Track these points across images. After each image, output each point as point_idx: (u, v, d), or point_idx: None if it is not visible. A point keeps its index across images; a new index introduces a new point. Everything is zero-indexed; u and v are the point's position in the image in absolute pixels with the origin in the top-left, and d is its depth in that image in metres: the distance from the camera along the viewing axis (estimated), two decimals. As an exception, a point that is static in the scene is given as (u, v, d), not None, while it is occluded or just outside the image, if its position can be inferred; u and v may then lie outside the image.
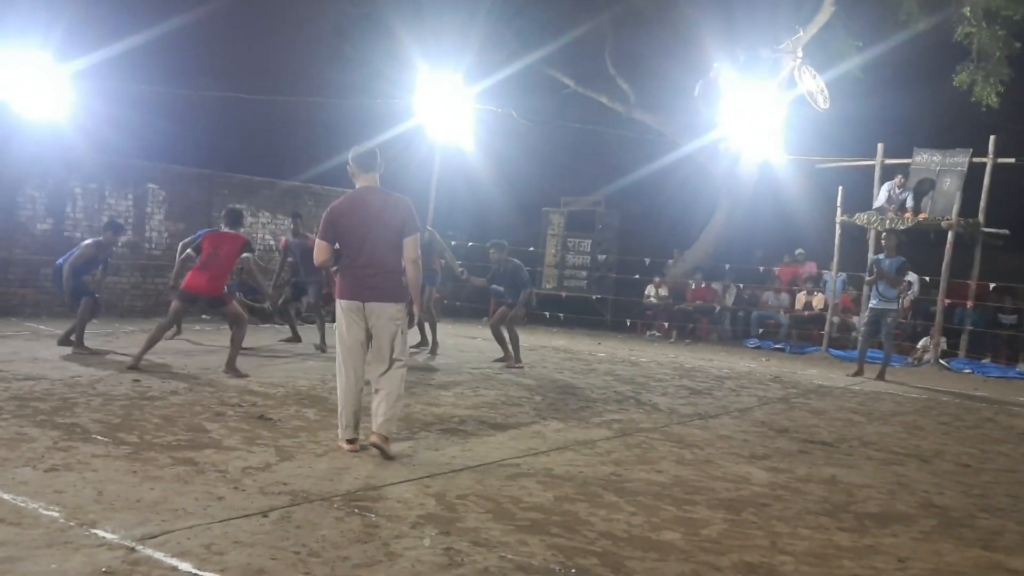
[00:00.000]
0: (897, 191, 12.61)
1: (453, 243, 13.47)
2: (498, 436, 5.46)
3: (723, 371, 10.03)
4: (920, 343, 12.39)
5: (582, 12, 14.92)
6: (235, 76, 14.22)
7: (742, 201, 15.03)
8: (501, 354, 9.32)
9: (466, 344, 11.28)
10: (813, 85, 12.39)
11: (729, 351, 12.73)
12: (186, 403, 5.86)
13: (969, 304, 12.11)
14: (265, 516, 3.50)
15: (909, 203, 12.44)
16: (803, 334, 13.54)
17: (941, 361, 11.87)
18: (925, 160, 12.57)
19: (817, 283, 13.87)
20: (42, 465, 4.04)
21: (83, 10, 11.87)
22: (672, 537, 3.58)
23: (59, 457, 4.20)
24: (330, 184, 14.26)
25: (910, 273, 11.40)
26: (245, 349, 7.95)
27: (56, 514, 3.35)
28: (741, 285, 14.68)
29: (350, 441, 4.76)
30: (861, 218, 12.62)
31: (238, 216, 8.06)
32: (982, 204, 12.02)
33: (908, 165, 12.75)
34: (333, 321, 5.14)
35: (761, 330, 13.93)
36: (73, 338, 8.21)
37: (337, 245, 4.77)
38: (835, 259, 13.02)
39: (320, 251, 4.76)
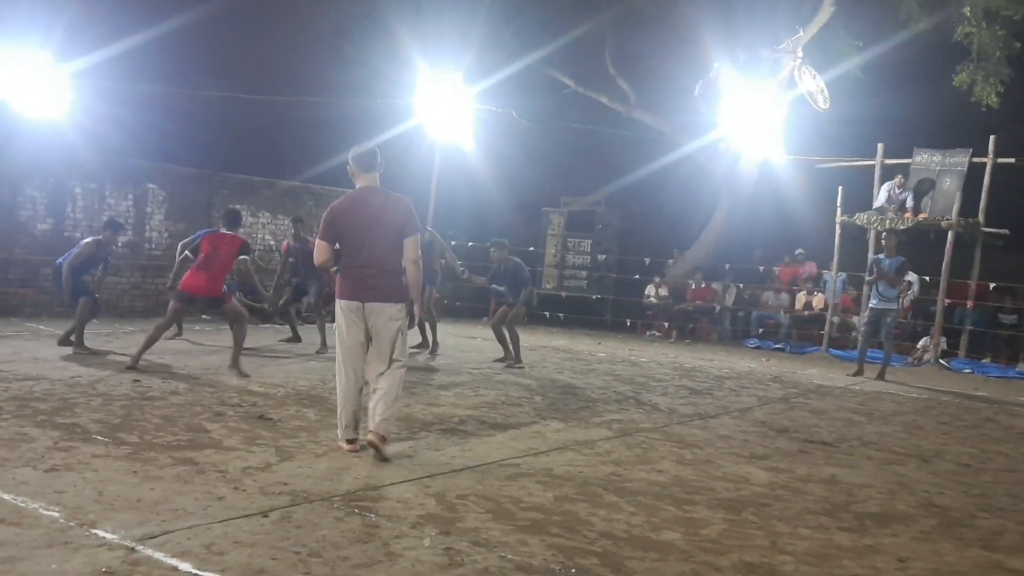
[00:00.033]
0: (897, 191, 12.61)
1: (453, 243, 13.46)
2: (498, 436, 5.46)
3: (723, 371, 10.03)
4: (920, 343, 12.39)
5: (582, 12, 14.91)
6: (235, 76, 14.22)
7: (742, 201, 15.03)
8: (501, 354, 9.32)
9: (466, 344, 11.28)
10: (813, 85, 12.39)
11: (729, 351, 12.73)
12: (186, 403, 5.86)
13: (969, 304, 12.11)
14: (265, 516, 3.50)
15: (909, 203, 12.45)
16: (803, 334, 13.54)
17: (941, 361, 11.88)
18: (925, 160, 12.57)
19: (817, 283, 13.87)
20: (42, 465, 4.04)
21: (83, 10, 11.86)
22: (672, 537, 3.58)
23: (59, 457, 4.20)
24: (330, 184, 14.26)
25: (910, 273, 11.41)
26: (246, 349, 7.95)
27: (56, 514, 3.35)
28: (741, 285, 14.68)
29: (350, 441, 4.76)
30: (861, 218, 12.63)
31: (236, 217, 8.08)
32: (982, 204, 12.03)
33: (908, 165, 12.75)
34: (333, 321, 5.14)
35: (761, 330, 13.93)
36: (73, 338, 8.22)
37: (337, 245, 4.77)
38: (835, 259, 13.03)
39: (320, 251, 4.76)
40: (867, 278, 10.15)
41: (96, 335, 9.15)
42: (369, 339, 4.73)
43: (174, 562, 2.94)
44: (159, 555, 2.99)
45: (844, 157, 13.57)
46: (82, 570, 2.83)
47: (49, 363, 7.31)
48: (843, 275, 13.26)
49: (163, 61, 12.97)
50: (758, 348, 13.21)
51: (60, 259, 8.47)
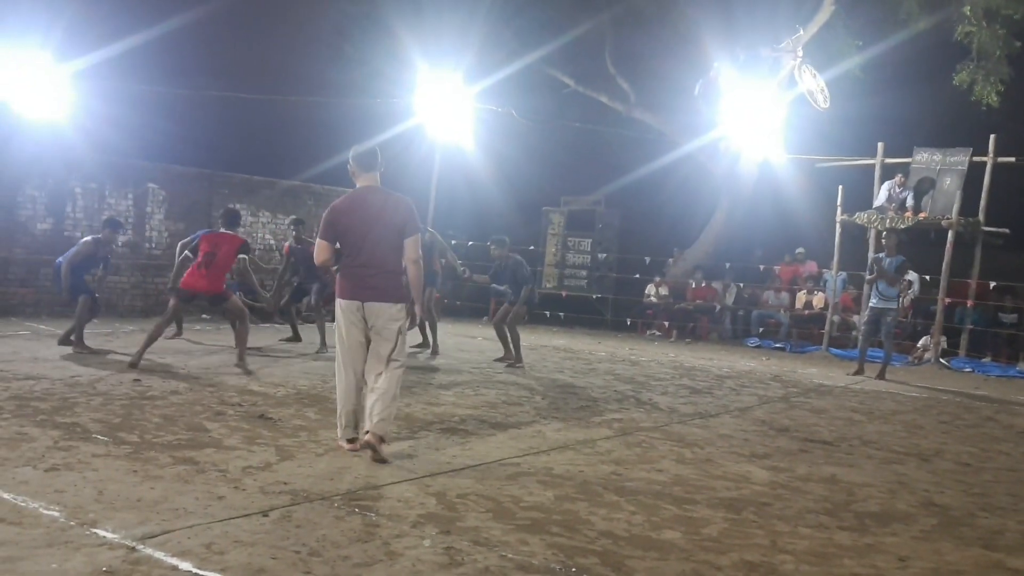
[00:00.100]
0: (897, 190, 12.61)
1: (453, 242, 13.45)
2: (498, 435, 5.46)
3: (723, 370, 10.03)
4: (920, 342, 12.39)
5: (582, 11, 14.91)
6: (235, 76, 14.22)
7: (742, 200, 15.03)
8: (502, 353, 9.32)
9: (466, 344, 11.27)
10: (813, 84, 12.38)
11: (729, 350, 12.73)
12: (186, 402, 5.86)
13: (969, 303, 12.10)
14: (265, 515, 3.50)
15: (909, 202, 12.44)
16: (803, 333, 13.55)
17: (941, 360, 11.88)
18: (925, 159, 12.57)
19: (817, 282, 13.87)
20: (42, 465, 4.04)
21: (83, 10, 11.87)
22: (672, 536, 3.58)
23: (59, 457, 4.20)
24: (330, 184, 14.26)
25: (910, 272, 11.42)
26: (248, 348, 7.95)
27: (56, 514, 3.35)
28: (741, 284, 14.68)
29: (350, 441, 4.75)
30: (861, 217, 12.62)
31: (236, 217, 8.10)
32: (982, 203, 12.02)
33: (908, 164, 12.75)
34: (333, 321, 5.14)
35: (761, 329, 13.93)
36: (73, 337, 8.22)
37: (337, 245, 4.77)
38: (835, 258, 13.03)
39: (320, 251, 4.75)
40: (867, 277, 10.15)
41: (96, 334, 9.15)
42: (368, 339, 4.72)
43: (174, 561, 2.94)
44: (159, 554, 2.99)
45: (844, 156, 13.57)
46: (82, 569, 2.83)
47: (49, 362, 7.31)
48: (843, 274, 13.26)
49: (163, 61, 12.97)
50: (758, 347, 13.21)
51: (60, 259, 8.48)
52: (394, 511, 3.68)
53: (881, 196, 12.70)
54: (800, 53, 12.44)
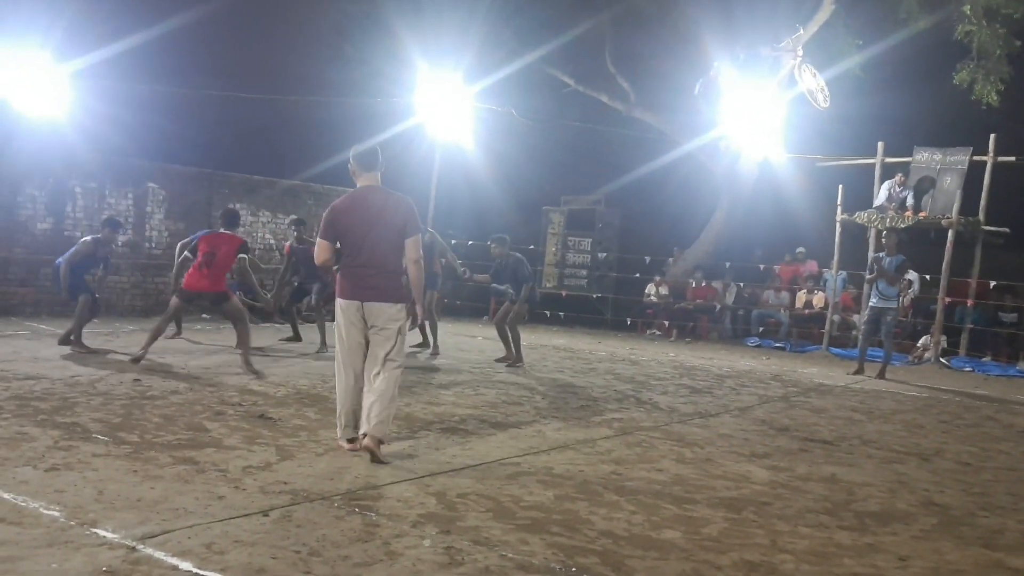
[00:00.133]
0: (897, 189, 12.61)
1: (453, 242, 13.46)
2: (499, 435, 5.46)
3: (723, 370, 10.03)
4: (920, 341, 12.38)
5: (582, 11, 14.90)
6: (235, 76, 14.20)
7: (742, 200, 15.02)
8: (502, 353, 9.31)
9: (466, 343, 11.27)
10: (813, 83, 12.39)
11: (729, 350, 12.73)
12: (186, 402, 5.86)
13: (969, 302, 12.10)
14: (266, 515, 3.50)
15: (909, 201, 12.44)
16: (803, 333, 13.55)
17: (941, 359, 11.88)
18: (925, 158, 12.56)
19: (817, 282, 13.87)
20: (42, 464, 4.05)
21: (83, 10, 11.85)
22: (672, 536, 3.58)
23: (59, 456, 4.20)
24: (330, 183, 14.25)
25: (910, 271, 11.42)
26: (251, 349, 7.95)
27: (56, 513, 3.35)
28: (741, 284, 14.68)
29: (350, 440, 4.74)
30: (861, 216, 12.62)
31: (235, 217, 8.10)
32: (982, 202, 12.02)
33: (908, 163, 12.75)
34: (333, 320, 5.14)
35: (761, 329, 13.93)
36: (72, 337, 8.22)
37: (338, 244, 4.77)
38: (835, 257, 13.03)
39: (321, 250, 4.75)
40: (867, 276, 10.15)
41: (96, 334, 9.15)
42: (368, 339, 4.72)
43: (174, 561, 2.94)
44: (159, 554, 2.99)
45: (844, 156, 13.56)
46: (82, 569, 2.83)
47: (49, 362, 7.32)
48: (843, 274, 13.26)
49: (163, 61, 12.96)
50: (758, 347, 13.20)
51: (59, 258, 8.48)
52: (394, 511, 3.68)
53: (881, 195, 12.70)
54: (800, 52, 12.45)
